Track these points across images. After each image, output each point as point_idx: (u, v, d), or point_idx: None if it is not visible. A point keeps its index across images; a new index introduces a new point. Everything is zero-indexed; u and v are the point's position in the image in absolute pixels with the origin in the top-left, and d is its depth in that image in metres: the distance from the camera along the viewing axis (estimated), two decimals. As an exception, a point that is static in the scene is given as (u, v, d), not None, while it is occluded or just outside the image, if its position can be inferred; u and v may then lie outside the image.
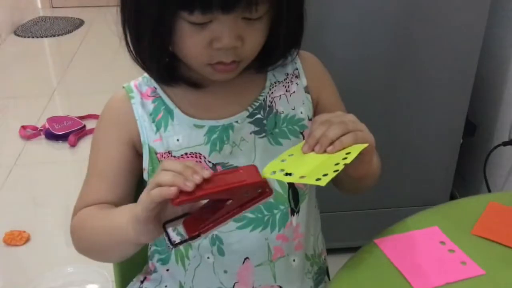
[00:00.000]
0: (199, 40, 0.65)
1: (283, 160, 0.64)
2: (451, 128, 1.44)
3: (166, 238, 0.60)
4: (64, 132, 2.27)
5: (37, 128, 2.34)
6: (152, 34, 0.67)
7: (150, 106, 0.75)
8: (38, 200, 1.95)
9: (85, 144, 2.26)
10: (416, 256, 0.71)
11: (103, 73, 2.93)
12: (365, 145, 0.63)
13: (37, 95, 2.71)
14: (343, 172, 0.60)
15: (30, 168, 2.14)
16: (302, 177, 0.60)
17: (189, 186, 0.55)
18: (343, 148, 0.62)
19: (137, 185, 0.79)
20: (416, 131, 1.43)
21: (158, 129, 0.74)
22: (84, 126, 2.34)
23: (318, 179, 0.58)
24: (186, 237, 0.60)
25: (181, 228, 0.61)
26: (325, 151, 0.63)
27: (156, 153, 0.74)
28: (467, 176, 1.63)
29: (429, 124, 1.43)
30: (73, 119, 2.36)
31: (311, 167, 0.61)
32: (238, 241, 0.75)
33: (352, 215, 1.49)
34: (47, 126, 2.31)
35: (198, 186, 0.56)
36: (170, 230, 0.61)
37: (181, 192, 0.56)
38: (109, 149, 0.75)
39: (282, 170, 0.62)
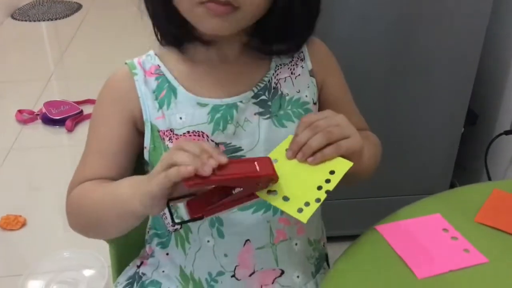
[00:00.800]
0: None
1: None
2: (452, 117, 1.43)
3: (169, 216, 0.60)
4: (61, 117, 2.25)
5: (33, 112, 2.32)
6: None
7: (154, 84, 0.74)
8: (34, 185, 1.93)
9: (82, 129, 2.24)
10: (418, 243, 0.70)
11: (101, 58, 2.90)
12: (350, 165, 0.63)
13: (34, 79, 2.68)
14: None
15: (27, 153, 2.12)
16: (285, 198, 0.60)
17: (206, 171, 0.56)
18: (325, 160, 0.63)
19: (136, 163, 0.77)
20: (418, 119, 1.42)
21: (161, 107, 0.73)
22: (82, 111, 2.32)
23: (300, 210, 0.59)
24: (188, 217, 0.60)
25: (183, 208, 0.60)
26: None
27: (158, 131, 0.73)
28: (467, 165, 1.62)
29: (431, 113, 1.41)
30: (70, 103, 2.34)
31: (294, 184, 0.62)
32: (239, 223, 0.74)
33: (352, 203, 1.48)
34: (44, 110, 2.29)
35: (212, 171, 0.56)
36: (172, 208, 0.61)
37: (195, 175, 0.56)
38: (109, 126, 0.74)
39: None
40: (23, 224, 1.70)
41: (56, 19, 3.49)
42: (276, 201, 0.61)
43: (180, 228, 0.76)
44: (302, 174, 0.63)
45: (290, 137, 0.67)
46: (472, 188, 0.84)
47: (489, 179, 1.47)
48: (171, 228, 0.79)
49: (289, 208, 0.60)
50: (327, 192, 0.61)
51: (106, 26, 3.25)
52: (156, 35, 0.75)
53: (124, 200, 0.64)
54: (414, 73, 1.36)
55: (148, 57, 0.76)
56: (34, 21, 3.46)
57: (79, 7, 3.66)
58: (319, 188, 0.61)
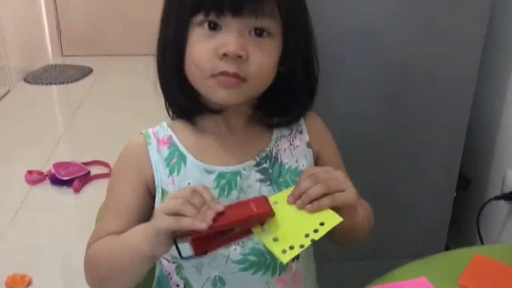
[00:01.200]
0: (209, 47, 0.73)
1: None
2: (445, 182, 1.49)
3: (177, 251, 0.67)
4: (69, 178, 2.33)
5: (43, 173, 2.40)
6: (173, 44, 0.76)
7: (165, 152, 0.82)
8: (40, 244, 1.97)
9: (89, 190, 2.31)
10: (404, 305, 0.75)
11: (109, 121, 3.02)
12: (339, 220, 0.69)
13: (44, 141, 2.78)
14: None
15: (34, 213, 2.18)
16: (274, 239, 0.67)
17: (204, 226, 0.63)
18: (320, 210, 0.70)
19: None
20: (411, 184, 1.48)
21: (171, 173, 0.80)
22: (89, 172, 2.40)
23: (283, 251, 0.66)
24: (193, 253, 0.67)
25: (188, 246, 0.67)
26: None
27: (168, 195, 0.80)
28: (461, 229, 1.66)
29: (423, 178, 1.47)
30: (78, 165, 2.42)
31: (286, 227, 0.69)
32: (240, 283, 0.80)
33: (348, 265, 1.52)
34: (52, 171, 2.36)
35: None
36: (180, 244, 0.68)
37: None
38: (125, 188, 0.82)
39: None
40: (29, 284, 1.72)
41: (67, 82, 3.63)
42: (267, 240, 0.67)
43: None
44: (295, 220, 0.70)
45: (292, 187, 0.74)
46: (456, 253, 0.89)
47: (482, 243, 1.51)
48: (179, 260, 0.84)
49: (275, 248, 0.66)
50: (312, 241, 0.67)
51: (115, 90, 3.39)
52: (168, 111, 0.84)
53: (134, 244, 0.72)
54: (407, 140, 1.42)
55: (161, 127, 0.84)
56: (46, 84, 3.60)
57: (90, 71, 3.82)
58: (307, 235, 0.67)
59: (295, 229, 0.68)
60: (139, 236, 0.71)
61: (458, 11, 1.30)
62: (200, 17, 0.72)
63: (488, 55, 1.41)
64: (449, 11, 1.30)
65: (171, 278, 0.84)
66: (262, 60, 0.74)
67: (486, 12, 1.31)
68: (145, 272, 0.76)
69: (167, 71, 0.79)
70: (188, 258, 0.67)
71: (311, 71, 0.82)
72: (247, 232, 0.68)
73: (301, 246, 0.66)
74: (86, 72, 3.81)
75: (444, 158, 1.46)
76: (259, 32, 0.73)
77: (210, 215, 0.64)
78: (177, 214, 0.65)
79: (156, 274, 0.89)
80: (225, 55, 0.71)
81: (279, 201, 0.72)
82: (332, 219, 0.69)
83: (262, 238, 0.68)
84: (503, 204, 1.48)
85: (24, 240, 2.00)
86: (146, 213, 0.83)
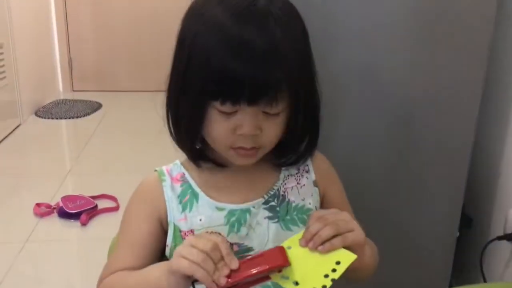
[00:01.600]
0: (226, 126, 0.76)
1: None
2: (447, 222, 1.50)
3: None
4: (76, 211, 2.35)
5: (51, 206, 2.42)
6: (189, 118, 0.79)
7: (179, 189, 0.86)
8: (44, 278, 1.98)
9: (96, 223, 2.33)
10: None
11: (117, 155, 3.07)
12: (354, 257, 0.73)
13: (53, 174, 2.82)
14: None
15: (41, 246, 2.19)
16: (295, 283, 0.71)
17: (221, 283, 0.68)
18: (333, 250, 0.73)
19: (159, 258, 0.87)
20: (414, 225, 1.49)
21: (184, 210, 0.84)
22: (96, 205, 2.42)
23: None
24: None
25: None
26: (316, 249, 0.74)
27: (180, 231, 0.84)
28: (464, 269, 1.67)
29: (426, 218, 1.48)
30: (86, 198, 2.45)
31: (304, 270, 0.72)
32: None
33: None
34: (60, 204, 2.39)
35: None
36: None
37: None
38: (139, 223, 0.85)
39: (280, 269, 0.72)
40: (33, 317, 1.73)
41: (77, 117, 3.70)
42: (288, 285, 0.70)
43: None
44: (311, 262, 0.73)
45: (302, 230, 0.77)
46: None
47: (485, 282, 1.52)
48: None
49: None
50: (332, 280, 0.70)
51: (124, 125, 3.45)
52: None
53: (153, 281, 0.75)
54: (410, 180, 1.44)
55: (175, 165, 0.89)
56: (57, 118, 3.66)
57: (99, 106, 3.89)
58: (326, 276, 0.70)
59: (313, 271, 0.71)
60: (157, 273, 0.75)
61: (459, 50, 1.33)
62: (217, 104, 0.75)
63: (489, 95, 1.44)
64: (451, 49, 1.33)
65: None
66: (273, 132, 0.79)
67: (486, 52, 1.34)
68: None
69: (182, 133, 0.82)
70: None
71: (315, 117, 0.85)
72: (264, 278, 0.71)
73: (324, 286, 0.69)
74: (95, 107, 3.88)
75: (446, 197, 1.48)
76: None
77: (224, 273, 0.69)
78: (196, 263, 0.68)
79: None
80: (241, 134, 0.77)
81: (292, 245, 0.75)
82: (347, 257, 0.72)
83: (283, 284, 0.71)
84: (505, 244, 1.49)
85: (29, 273, 2.01)
86: (159, 248, 0.86)
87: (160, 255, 0.87)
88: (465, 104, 1.39)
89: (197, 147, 0.84)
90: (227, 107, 0.74)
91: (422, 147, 1.42)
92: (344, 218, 0.77)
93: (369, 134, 1.41)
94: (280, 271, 0.71)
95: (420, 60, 1.34)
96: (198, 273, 0.68)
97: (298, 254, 0.73)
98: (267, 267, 0.70)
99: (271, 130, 0.78)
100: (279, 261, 0.70)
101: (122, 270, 0.83)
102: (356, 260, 0.72)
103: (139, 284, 0.78)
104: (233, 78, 0.71)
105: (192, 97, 0.76)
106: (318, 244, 0.73)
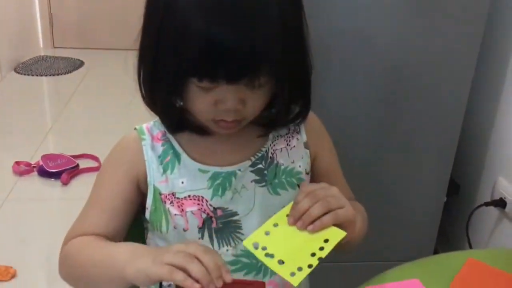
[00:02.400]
0: (206, 101, 0.71)
1: (267, 233, 0.70)
2: (435, 187, 1.50)
3: None
4: (57, 170, 2.30)
5: (30, 164, 2.37)
6: (165, 91, 0.72)
7: (159, 149, 0.80)
8: (25, 237, 1.95)
9: (77, 183, 2.28)
10: (397, 306, 0.75)
11: (99, 114, 2.99)
12: (343, 234, 0.69)
13: (33, 132, 2.75)
14: None
15: (21, 204, 2.15)
16: (280, 262, 0.66)
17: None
18: (323, 228, 0.69)
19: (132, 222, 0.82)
20: (402, 189, 1.48)
21: (164, 171, 0.79)
22: (78, 165, 2.38)
23: (292, 274, 0.64)
24: None
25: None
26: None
27: (160, 194, 0.79)
28: (450, 234, 1.67)
29: (414, 182, 1.48)
30: (67, 157, 2.40)
31: (290, 249, 0.68)
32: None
33: (338, 267, 1.52)
34: (40, 163, 2.34)
35: None
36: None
37: None
38: (114, 183, 0.80)
39: (265, 247, 0.68)
40: (13, 276, 1.71)
41: (58, 74, 3.59)
42: (272, 264, 0.66)
43: None
44: (298, 240, 0.69)
45: (291, 204, 0.73)
46: (449, 256, 0.90)
47: (470, 247, 1.52)
48: None
49: (283, 271, 0.65)
50: (319, 259, 0.66)
51: (106, 84, 3.36)
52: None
53: (119, 266, 0.68)
54: (399, 146, 1.43)
55: (156, 123, 0.82)
56: (37, 75, 3.56)
57: (81, 64, 3.78)
58: (313, 254, 0.67)
59: (300, 250, 0.68)
60: (127, 258, 0.68)
61: (455, 15, 1.30)
62: (194, 80, 0.69)
63: (483, 63, 1.42)
64: (446, 17, 1.31)
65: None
66: (257, 104, 0.73)
67: (482, 21, 1.32)
68: None
69: (158, 104, 0.76)
70: None
71: (306, 82, 0.78)
72: None
73: (310, 266, 0.66)
74: (77, 65, 3.77)
75: (435, 163, 1.47)
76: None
77: (219, 284, 0.62)
78: (180, 268, 0.62)
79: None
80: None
81: (279, 222, 0.71)
82: (335, 235, 0.69)
83: (267, 263, 0.67)
84: (492, 210, 1.49)
85: (10, 232, 1.98)
86: (133, 212, 0.81)
87: (133, 218, 0.82)
88: (459, 71, 1.37)
89: (175, 117, 0.77)
90: (205, 84, 0.69)
91: (414, 113, 1.40)
92: (335, 193, 0.72)
93: (360, 98, 1.38)
94: None
95: (414, 24, 1.31)
96: (173, 275, 0.61)
97: (284, 232, 0.70)
98: None
99: (254, 103, 0.73)
100: None
101: (90, 235, 0.77)
102: (345, 236, 0.69)
103: (100, 259, 0.72)
104: (211, 54, 0.65)
105: (168, 72, 0.70)
106: (308, 223, 0.70)
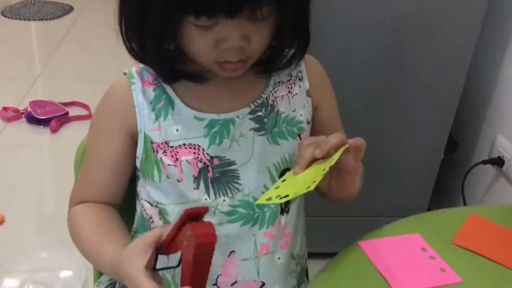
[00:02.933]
0: (206, 41, 0.65)
1: (277, 188, 0.68)
2: (433, 144, 1.48)
3: None
4: (46, 117, 2.25)
5: (18, 110, 2.31)
6: (157, 37, 0.67)
7: (151, 94, 0.75)
8: (14, 183, 1.92)
9: (67, 131, 2.24)
10: (398, 260, 0.73)
11: (89, 61, 2.91)
12: (347, 145, 0.66)
13: (21, 78, 2.67)
14: (328, 193, 0.70)
15: (9, 150, 2.11)
16: (296, 193, 0.63)
17: None
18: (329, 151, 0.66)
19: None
20: (400, 144, 1.46)
21: (157, 118, 0.74)
22: (67, 112, 2.32)
23: (308, 187, 0.62)
24: None
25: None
26: (313, 161, 0.67)
27: (152, 143, 0.75)
28: (445, 191, 1.67)
29: (413, 138, 1.46)
30: (57, 104, 2.34)
31: (302, 182, 0.64)
32: (226, 235, 0.76)
33: (333, 220, 1.51)
34: (29, 109, 2.28)
35: None
36: None
37: None
38: (109, 137, 0.76)
39: (278, 195, 0.65)
40: (1, 221, 1.68)
41: (46, 19, 3.48)
42: (288, 198, 0.63)
43: None
44: (308, 173, 0.66)
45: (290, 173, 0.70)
46: (450, 211, 0.88)
47: (465, 205, 1.52)
48: None
49: (300, 191, 0.63)
50: (330, 167, 0.63)
51: (96, 30, 3.24)
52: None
53: (103, 267, 0.72)
54: (398, 102, 1.40)
55: (147, 66, 0.76)
56: (24, 19, 3.44)
57: (70, 9, 3.66)
58: (308, 187, 0.63)
59: (310, 176, 0.65)
60: (109, 269, 0.70)
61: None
62: (190, 18, 0.63)
63: (488, 23, 1.37)
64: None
65: (152, 222, 0.80)
66: (263, 38, 0.68)
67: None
68: None
69: (149, 51, 0.70)
70: None
71: (305, 13, 0.73)
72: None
73: (295, 193, 0.63)
74: (66, 9, 3.65)
75: (435, 120, 1.45)
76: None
77: None
78: None
79: (136, 216, 0.84)
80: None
81: (286, 177, 0.69)
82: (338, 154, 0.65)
83: (281, 201, 0.64)
84: (489, 168, 1.47)
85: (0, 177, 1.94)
86: (133, 164, 0.78)
87: (132, 170, 0.80)
88: (463, 29, 1.32)
89: (170, 64, 0.72)
90: (203, 21, 0.63)
91: (415, 69, 1.37)
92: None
93: (360, 51, 1.33)
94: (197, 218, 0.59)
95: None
96: None
97: (293, 179, 0.67)
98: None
99: (259, 38, 0.67)
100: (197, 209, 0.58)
101: (89, 206, 0.78)
102: (348, 147, 0.66)
103: (93, 256, 0.75)
104: None
105: (159, 13, 0.64)
106: (304, 164, 0.67)
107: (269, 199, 0.65)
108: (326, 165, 0.64)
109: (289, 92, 0.79)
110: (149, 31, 0.67)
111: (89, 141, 0.80)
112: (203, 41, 0.66)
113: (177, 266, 0.60)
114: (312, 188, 0.62)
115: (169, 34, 0.66)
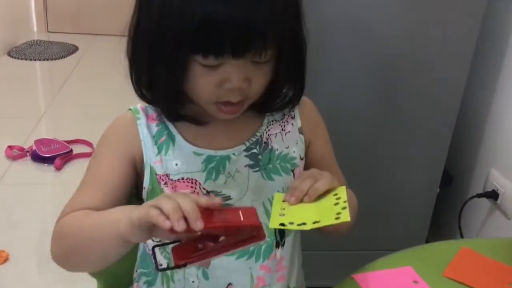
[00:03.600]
0: (210, 80, 0.70)
1: (281, 215, 0.69)
2: (429, 178, 1.51)
3: (153, 261, 0.63)
4: (50, 155, 2.29)
5: (23, 149, 2.35)
6: (166, 75, 0.71)
7: (154, 129, 0.79)
8: (18, 221, 1.94)
9: (71, 168, 2.28)
10: (390, 293, 0.75)
11: (93, 100, 2.98)
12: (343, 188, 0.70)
13: (26, 117, 2.73)
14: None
15: (14, 188, 2.14)
16: (315, 222, 0.65)
17: (179, 226, 0.57)
18: (317, 193, 0.70)
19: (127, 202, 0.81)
20: (396, 179, 1.49)
21: (159, 152, 0.78)
22: (71, 150, 2.36)
23: (337, 218, 0.63)
24: (173, 263, 0.61)
25: (169, 252, 0.63)
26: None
27: (156, 174, 0.78)
28: (442, 225, 1.69)
29: (408, 173, 1.49)
30: (61, 142, 2.38)
31: (314, 213, 0.67)
32: (223, 267, 0.79)
33: (331, 255, 1.53)
34: (34, 147, 2.32)
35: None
36: (158, 252, 0.62)
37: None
38: (110, 162, 0.78)
39: (292, 222, 0.66)
40: (6, 259, 1.70)
41: (52, 59, 3.57)
42: (308, 227, 0.65)
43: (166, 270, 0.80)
44: (313, 206, 0.69)
45: (277, 194, 0.74)
46: (442, 244, 0.90)
47: (462, 238, 1.53)
48: (153, 271, 0.83)
49: (326, 220, 0.64)
50: (312, 228, 0.65)
51: (101, 69, 3.33)
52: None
53: (112, 222, 0.66)
54: (394, 137, 1.44)
55: (151, 105, 0.81)
56: (30, 60, 3.53)
57: (75, 49, 3.76)
58: (315, 222, 0.66)
59: (323, 208, 0.68)
60: (120, 215, 0.65)
61: (453, 9, 1.31)
62: (198, 58, 0.68)
63: (479, 57, 1.42)
64: (444, 8, 1.31)
65: (153, 259, 0.83)
66: (263, 81, 0.73)
67: (480, 12, 1.32)
68: (117, 256, 0.69)
69: (158, 90, 0.75)
70: (164, 269, 0.62)
71: (302, 60, 0.79)
72: (233, 245, 0.62)
73: (344, 208, 0.65)
74: (71, 50, 3.74)
75: (429, 154, 1.48)
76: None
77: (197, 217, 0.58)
78: (155, 206, 0.60)
79: (139, 253, 0.87)
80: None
81: (283, 206, 0.72)
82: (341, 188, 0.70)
83: (305, 228, 0.65)
84: (485, 202, 1.50)
85: (3, 215, 1.97)
86: (128, 191, 0.80)
87: (129, 198, 0.81)
88: (456, 62, 1.37)
89: (176, 103, 0.76)
90: (211, 61, 0.68)
91: (408, 104, 1.41)
92: (327, 174, 0.73)
93: (354, 89, 1.38)
94: (250, 236, 0.62)
95: (411, 13, 1.30)
96: (150, 213, 0.59)
97: (296, 209, 0.70)
98: (242, 222, 0.61)
99: (260, 80, 0.72)
100: (254, 221, 0.61)
101: (83, 210, 0.75)
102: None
103: (95, 225, 0.70)
104: (214, 25, 0.64)
105: (169, 52, 0.68)
106: (312, 196, 0.70)
107: (282, 225, 0.66)
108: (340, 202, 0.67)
109: (282, 129, 0.84)
110: (158, 69, 0.71)
111: (91, 163, 0.81)
112: (207, 80, 0.70)
113: (171, 242, 0.61)
114: (346, 219, 0.63)
115: (177, 73, 0.70)
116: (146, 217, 0.60)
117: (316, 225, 0.64)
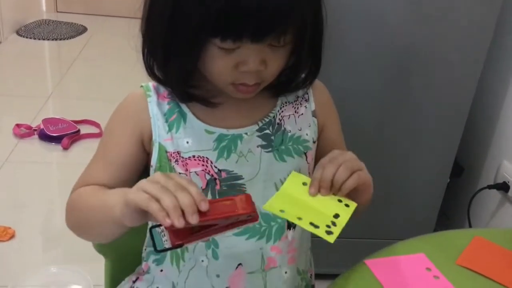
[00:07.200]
0: (227, 63, 0.69)
1: (283, 200, 0.69)
2: (439, 169, 1.50)
3: (152, 243, 0.63)
4: (58, 134, 2.29)
5: (31, 127, 2.35)
6: (182, 57, 0.70)
7: (165, 107, 0.79)
8: (24, 199, 1.95)
9: (78, 148, 2.28)
10: (403, 279, 0.75)
11: (101, 80, 2.97)
12: (355, 205, 0.70)
13: (34, 96, 2.72)
14: None
15: (21, 166, 2.14)
16: (311, 224, 0.65)
17: (179, 223, 0.58)
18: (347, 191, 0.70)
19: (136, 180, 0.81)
20: (407, 169, 1.48)
21: (170, 130, 0.78)
22: (79, 130, 2.36)
23: (329, 233, 0.65)
24: (170, 244, 0.63)
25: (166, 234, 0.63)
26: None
27: (166, 152, 0.77)
28: (451, 216, 1.68)
29: (419, 163, 1.48)
30: (69, 122, 2.38)
31: (314, 212, 0.68)
32: (233, 247, 0.78)
33: (338, 242, 1.50)
34: (41, 126, 2.32)
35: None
36: (157, 233, 0.63)
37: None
38: (119, 139, 0.79)
39: (299, 217, 0.66)
40: (12, 236, 1.70)
41: (60, 39, 3.55)
42: (304, 224, 0.65)
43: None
44: (317, 205, 0.69)
45: (294, 173, 0.73)
46: (455, 233, 0.90)
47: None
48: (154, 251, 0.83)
49: (318, 231, 0.65)
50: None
51: (109, 50, 3.32)
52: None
53: (109, 206, 0.67)
54: (405, 127, 1.43)
55: None
56: (39, 39, 3.52)
57: (84, 29, 3.74)
58: (336, 216, 0.68)
59: (323, 212, 0.68)
60: (116, 198, 0.66)
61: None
62: (216, 41, 0.67)
63: (495, 48, 1.40)
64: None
65: (164, 235, 0.82)
66: (279, 64, 0.73)
67: (498, 2, 1.30)
68: (117, 235, 0.72)
69: (173, 70, 0.74)
70: (162, 251, 0.64)
71: (318, 44, 0.78)
72: (228, 226, 0.64)
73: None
74: (80, 30, 3.73)
75: (441, 145, 1.46)
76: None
77: (191, 212, 0.59)
78: (154, 197, 0.60)
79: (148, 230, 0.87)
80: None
81: (292, 191, 0.71)
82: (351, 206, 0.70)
83: (300, 224, 0.65)
84: (495, 193, 1.49)
85: (9, 193, 1.97)
86: (137, 169, 0.80)
87: (137, 176, 0.81)
88: (469, 54, 1.35)
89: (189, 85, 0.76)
90: (229, 44, 0.67)
91: (421, 94, 1.39)
92: (353, 156, 0.73)
93: (367, 76, 1.36)
94: (246, 221, 0.64)
95: (425, 3, 1.28)
96: (150, 205, 0.59)
97: (301, 200, 0.69)
98: (239, 211, 0.62)
99: (276, 63, 0.72)
100: (248, 208, 0.62)
101: (92, 185, 0.77)
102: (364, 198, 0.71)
103: (97, 206, 0.72)
104: (237, 11, 0.63)
105: (186, 33, 0.67)
106: (336, 189, 0.70)
107: (282, 211, 0.67)
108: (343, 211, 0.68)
109: (295, 112, 0.83)
110: (175, 51, 0.70)
111: (101, 140, 0.82)
112: (224, 62, 0.69)
113: (158, 225, 0.63)
114: (331, 240, 0.66)
115: (194, 54, 0.69)
116: (145, 207, 0.60)
117: (311, 228, 0.65)
